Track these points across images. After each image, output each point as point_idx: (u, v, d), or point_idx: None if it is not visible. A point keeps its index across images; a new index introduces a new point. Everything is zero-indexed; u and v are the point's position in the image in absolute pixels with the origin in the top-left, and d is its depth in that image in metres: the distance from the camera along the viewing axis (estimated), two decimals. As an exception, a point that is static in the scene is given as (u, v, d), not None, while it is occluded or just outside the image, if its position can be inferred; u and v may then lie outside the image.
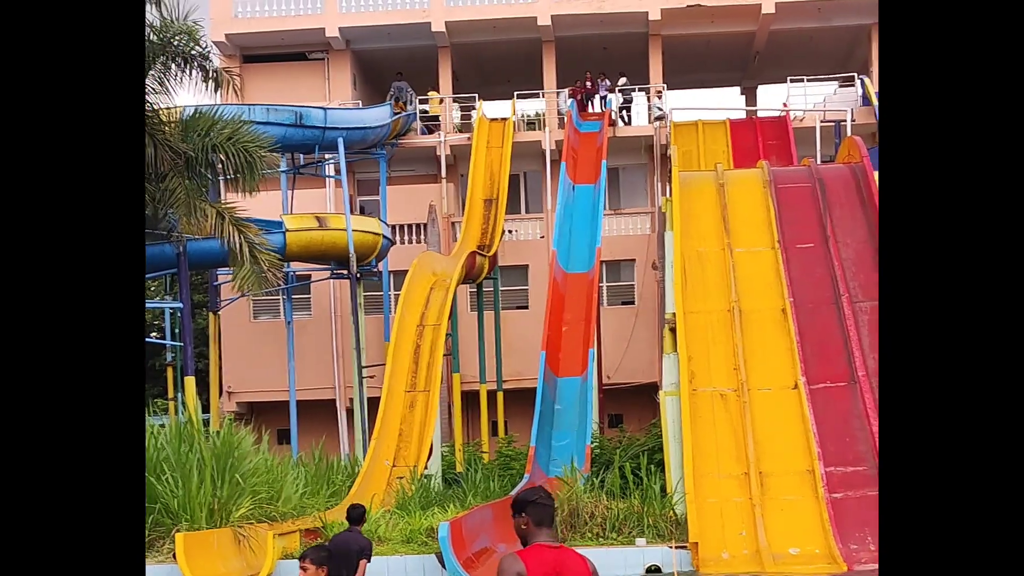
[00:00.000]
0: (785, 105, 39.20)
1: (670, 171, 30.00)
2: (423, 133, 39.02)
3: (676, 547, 20.06)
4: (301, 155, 34.84)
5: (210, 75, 25.78)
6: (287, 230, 31.11)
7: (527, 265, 38.24)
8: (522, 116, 40.58)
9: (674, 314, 24.70)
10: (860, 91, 38.43)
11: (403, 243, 37.66)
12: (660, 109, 38.52)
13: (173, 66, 25.05)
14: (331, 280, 35.62)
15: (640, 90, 39.93)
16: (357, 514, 14.31)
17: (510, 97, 39.43)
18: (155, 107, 24.65)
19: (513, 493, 5.09)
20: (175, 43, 24.82)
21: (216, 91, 26.28)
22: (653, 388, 30.28)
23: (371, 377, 33.30)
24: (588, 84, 39.44)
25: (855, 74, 39.38)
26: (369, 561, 13.65)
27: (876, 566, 18.98)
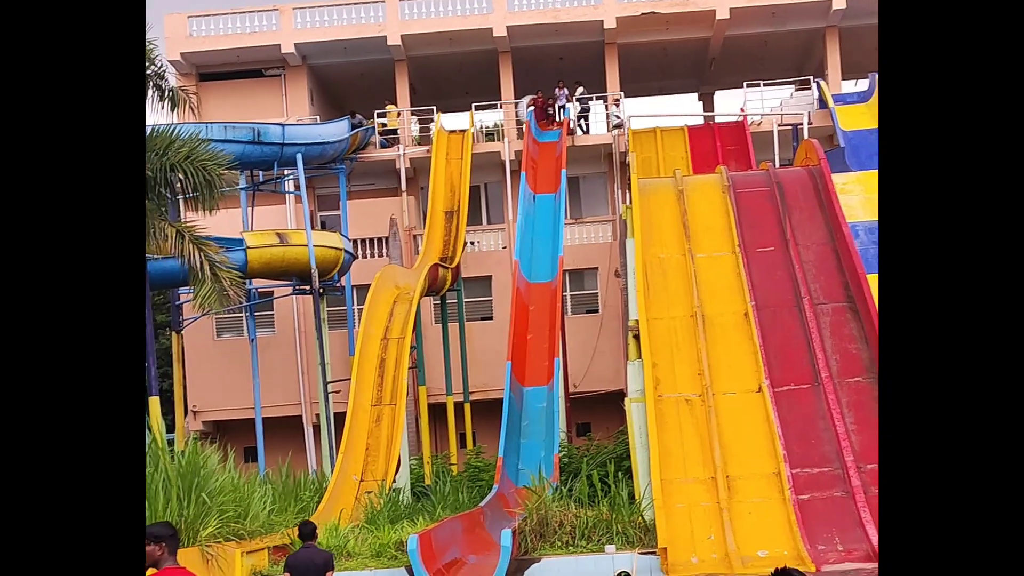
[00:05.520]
0: (742, 110, 39.40)
1: (629, 179, 30.11)
2: (382, 146, 38.99)
3: (643, 553, 20.07)
4: (260, 172, 34.75)
5: (166, 94, 25.66)
6: (248, 247, 31.00)
7: (490, 276, 38.26)
8: (481, 127, 40.63)
9: (637, 321, 24.78)
10: (816, 94, 38.65)
11: (365, 257, 37.62)
12: (618, 117, 38.63)
13: (129, 86, 24.89)
14: (294, 296, 35.53)
15: (598, 98, 40.05)
16: (309, 530, 14.93)
17: (468, 109, 39.48)
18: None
19: (154, 531, 7.16)
20: (130, 62, 24.69)
21: (173, 110, 26.18)
22: (620, 396, 30.31)
23: (337, 392, 33.21)
24: (555, 94, 39.39)
25: (811, 77, 39.64)
26: (334, 572, 14.14)
27: (844, 566, 19.07)
